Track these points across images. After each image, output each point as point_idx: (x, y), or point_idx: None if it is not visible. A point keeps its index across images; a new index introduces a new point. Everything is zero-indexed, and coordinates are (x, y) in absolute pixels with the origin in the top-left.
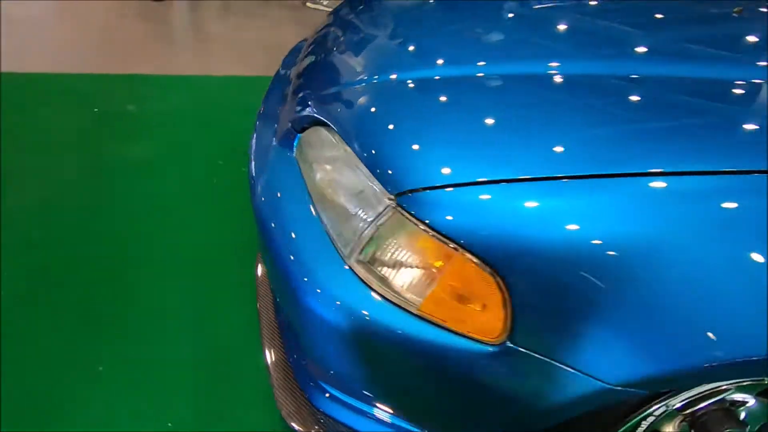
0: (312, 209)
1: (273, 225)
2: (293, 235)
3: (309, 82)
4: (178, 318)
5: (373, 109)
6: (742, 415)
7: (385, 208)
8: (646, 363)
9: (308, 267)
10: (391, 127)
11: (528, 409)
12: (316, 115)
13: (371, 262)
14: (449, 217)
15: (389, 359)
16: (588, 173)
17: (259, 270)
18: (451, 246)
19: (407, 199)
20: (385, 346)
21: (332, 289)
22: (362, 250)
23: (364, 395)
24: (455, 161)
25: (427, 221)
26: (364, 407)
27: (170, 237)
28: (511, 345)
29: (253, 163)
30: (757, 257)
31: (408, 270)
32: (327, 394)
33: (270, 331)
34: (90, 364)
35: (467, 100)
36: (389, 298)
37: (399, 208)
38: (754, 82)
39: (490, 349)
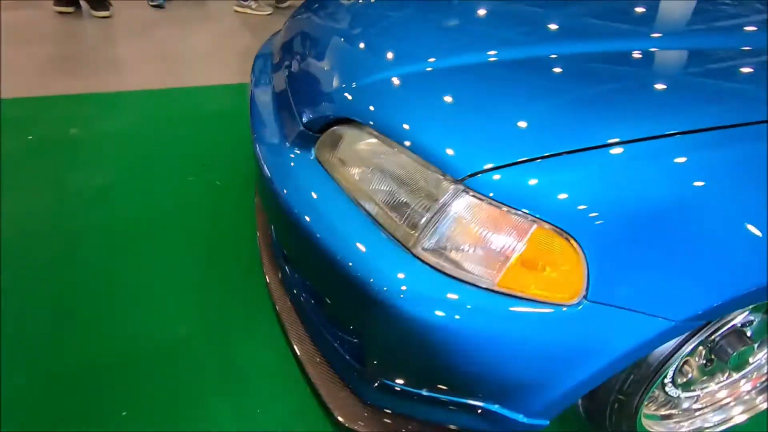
0: (354, 209)
1: (318, 236)
2: (344, 240)
3: (317, 82)
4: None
5: (416, 100)
6: (749, 333)
7: (451, 193)
8: (700, 298)
9: (372, 267)
10: (441, 115)
11: (601, 362)
12: (340, 114)
13: (441, 248)
14: (518, 192)
15: (471, 340)
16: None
17: (268, 278)
18: (528, 218)
19: (473, 181)
20: (467, 328)
21: (405, 283)
22: (429, 237)
23: (441, 381)
24: (506, 142)
25: (499, 199)
26: (437, 395)
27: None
28: (588, 302)
29: (266, 171)
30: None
31: (480, 248)
32: (396, 390)
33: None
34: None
35: (490, 88)
36: (464, 279)
37: (468, 190)
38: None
39: (570, 310)
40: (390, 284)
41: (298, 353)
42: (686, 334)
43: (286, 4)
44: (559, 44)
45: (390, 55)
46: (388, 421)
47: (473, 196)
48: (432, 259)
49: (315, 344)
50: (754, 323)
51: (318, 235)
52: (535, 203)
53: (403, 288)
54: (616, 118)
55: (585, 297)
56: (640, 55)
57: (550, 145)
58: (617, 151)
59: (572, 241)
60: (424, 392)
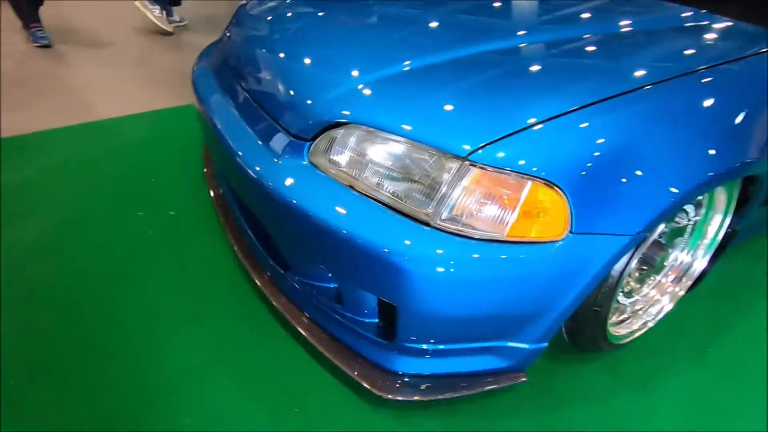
0: (366, 200)
1: (344, 232)
2: (372, 229)
3: (297, 94)
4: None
5: (404, 98)
6: (663, 241)
7: (459, 167)
8: (643, 214)
9: (402, 251)
10: (432, 108)
11: (585, 280)
12: (332, 120)
13: (457, 216)
14: (510, 160)
15: (493, 286)
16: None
17: (273, 298)
18: (524, 177)
19: (475, 156)
20: (489, 278)
21: (433, 253)
22: (445, 209)
23: (467, 331)
24: (489, 123)
25: (500, 166)
26: (461, 345)
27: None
28: (573, 234)
29: (267, 187)
30: None
31: (490, 209)
32: (426, 350)
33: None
34: None
35: (457, 82)
36: (480, 238)
37: (474, 164)
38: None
39: (561, 243)
40: (424, 259)
41: (324, 352)
42: (633, 249)
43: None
44: (480, 45)
45: (364, 61)
46: (420, 383)
47: (479, 168)
48: (451, 227)
49: (334, 337)
50: (666, 233)
51: (346, 231)
52: (524, 166)
53: (439, 258)
54: (550, 97)
55: (570, 231)
56: (536, 48)
57: (517, 122)
58: (564, 121)
59: (557, 189)
60: (451, 346)
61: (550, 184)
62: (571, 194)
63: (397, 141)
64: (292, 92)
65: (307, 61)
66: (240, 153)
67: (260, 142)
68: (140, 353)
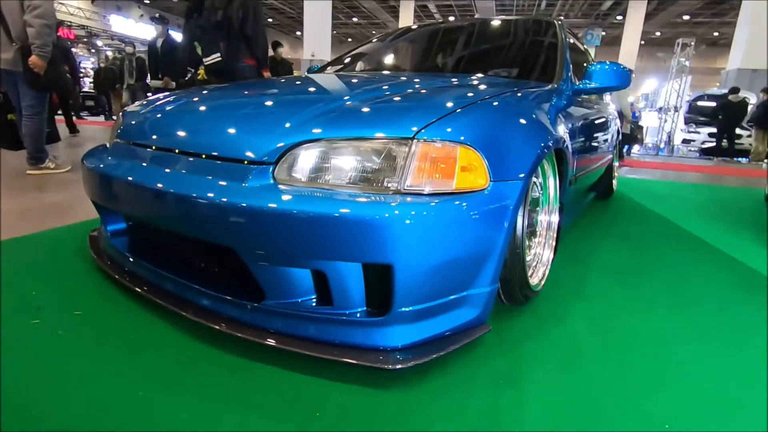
0: (341, 194)
1: (335, 215)
2: (358, 210)
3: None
4: None
5: (351, 113)
6: (531, 208)
7: (410, 145)
8: (524, 162)
9: (387, 214)
10: (373, 112)
11: (510, 217)
12: (294, 142)
13: (417, 181)
14: (442, 135)
15: (454, 230)
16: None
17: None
18: (459, 145)
19: (419, 135)
20: (451, 223)
21: (410, 212)
22: (407, 177)
23: (442, 284)
24: (421, 114)
25: (439, 138)
26: (441, 300)
27: None
28: (493, 182)
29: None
30: None
31: (438, 169)
32: (416, 318)
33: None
34: None
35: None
36: (437, 192)
37: (419, 141)
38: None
39: (489, 188)
40: (402, 215)
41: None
42: (523, 198)
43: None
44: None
45: (306, 103)
46: (414, 350)
47: (423, 142)
48: (413, 188)
49: (322, 341)
50: (531, 202)
51: (337, 213)
52: (451, 136)
53: (412, 211)
54: (447, 100)
55: (491, 180)
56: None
57: (441, 111)
58: (467, 110)
59: (476, 151)
60: (434, 303)
61: (471, 148)
62: (485, 155)
63: (353, 142)
64: (250, 129)
65: (257, 109)
66: (194, 195)
67: (215, 182)
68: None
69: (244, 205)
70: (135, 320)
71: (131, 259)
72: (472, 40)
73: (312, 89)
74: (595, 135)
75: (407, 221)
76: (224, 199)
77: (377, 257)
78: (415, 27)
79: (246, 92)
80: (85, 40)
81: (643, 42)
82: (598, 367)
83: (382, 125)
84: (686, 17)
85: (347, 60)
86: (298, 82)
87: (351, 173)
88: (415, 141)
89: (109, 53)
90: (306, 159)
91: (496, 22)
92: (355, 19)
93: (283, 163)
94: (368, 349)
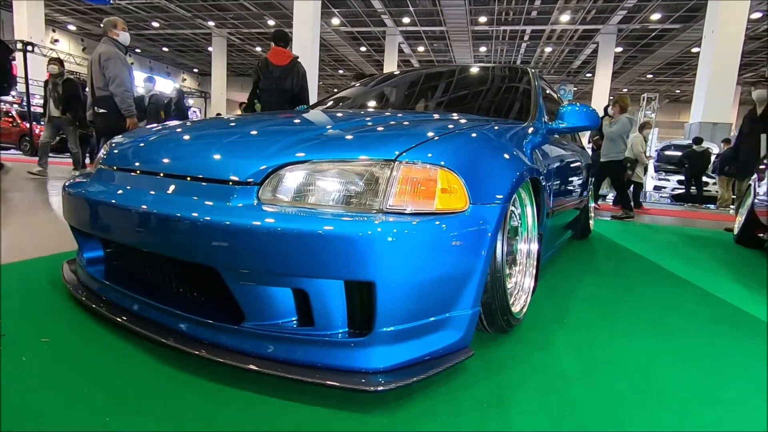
0: (325, 213)
1: (319, 232)
2: (343, 228)
3: (238, 152)
4: None
5: (335, 138)
6: (510, 235)
7: (393, 167)
8: (501, 188)
9: (371, 232)
10: (359, 137)
11: (489, 240)
12: (279, 163)
13: (399, 201)
14: (423, 158)
15: (434, 250)
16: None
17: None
18: (439, 168)
19: (401, 158)
20: (432, 242)
21: (393, 231)
22: (389, 197)
23: (425, 304)
24: (403, 140)
25: (420, 161)
26: (423, 321)
27: None
28: (472, 205)
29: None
30: None
31: (419, 191)
32: (398, 339)
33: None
34: None
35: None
36: (418, 212)
37: (401, 163)
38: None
39: (469, 210)
40: (386, 233)
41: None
42: (502, 223)
43: None
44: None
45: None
46: (397, 373)
47: (406, 164)
48: (396, 208)
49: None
50: (511, 231)
51: (321, 231)
52: (433, 160)
53: (394, 229)
54: (428, 130)
55: (470, 203)
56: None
57: (421, 137)
58: (447, 137)
59: (456, 174)
60: (416, 323)
61: (451, 171)
62: (464, 178)
63: (337, 164)
64: (235, 153)
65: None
66: (178, 215)
67: (200, 202)
68: None
69: (228, 223)
70: (104, 347)
71: (107, 286)
72: (451, 84)
73: (297, 120)
74: (569, 172)
75: (389, 238)
76: (208, 218)
77: (360, 274)
78: (397, 72)
79: (231, 123)
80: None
81: (611, 98)
82: (581, 391)
83: (365, 149)
84: (649, 76)
85: (330, 103)
86: (283, 115)
87: (335, 194)
88: (396, 163)
89: None
90: (290, 180)
91: (474, 69)
92: (341, 71)
93: (268, 184)
94: (350, 372)
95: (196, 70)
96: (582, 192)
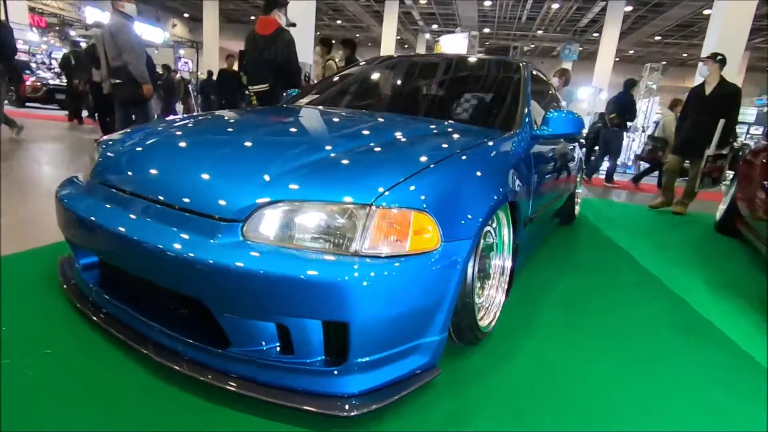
0: (305, 252)
1: (300, 277)
2: (321, 272)
3: (220, 186)
4: None
5: (318, 174)
6: (485, 254)
7: (368, 211)
8: (473, 222)
9: (346, 276)
10: (338, 179)
11: (458, 275)
12: (267, 199)
13: (374, 244)
14: (398, 200)
15: (407, 288)
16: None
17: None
18: (413, 210)
19: (377, 201)
20: (405, 282)
21: (368, 274)
22: (365, 240)
23: (397, 335)
24: (381, 178)
25: (396, 205)
26: (395, 350)
27: None
28: (444, 243)
29: (210, 263)
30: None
31: (393, 232)
32: (371, 368)
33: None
34: None
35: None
36: (393, 254)
37: (378, 207)
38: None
39: (440, 248)
40: (360, 277)
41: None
42: (474, 253)
43: None
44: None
45: (272, 160)
46: (370, 397)
47: (381, 208)
48: (370, 252)
49: (287, 388)
50: (485, 248)
51: (302, 276)
52: (407, 203)
53: (371, 272)
54: (405, 165)
55: (442, 241)
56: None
57: (394, 180)
58: (420, 176)
59: (429, 215)
60: (387, 352)
61: (424, 211)
62: (437, 217)
63: (317, 205)
64: (222, 184)
65: (230, 163)
66: (165, 248)
67: (186, 235)
68: None
69: (212, 261)
70: (101, 357)
71: (100, 294)
72: (443, 83)
73: (285, 137)
74: (554, 173)
75: (365, 283)
76: (192, 255)
77: (335, 315)
78: (379, 61)
79: (229, 129)
80: (57, 28)
81: (617, 59)
82: (534, 410)
83: (347, 187)
84: (658, 38)
85: (316, 96)
86: (272, 125)
87: (315, 235)
88: (374, 208)
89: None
90: (273, 218)
91: (464, 63)
92: (339, 22)
93: (251, 221)
94: (326, 396)
95: (186, 15)
96: (567, 185)
